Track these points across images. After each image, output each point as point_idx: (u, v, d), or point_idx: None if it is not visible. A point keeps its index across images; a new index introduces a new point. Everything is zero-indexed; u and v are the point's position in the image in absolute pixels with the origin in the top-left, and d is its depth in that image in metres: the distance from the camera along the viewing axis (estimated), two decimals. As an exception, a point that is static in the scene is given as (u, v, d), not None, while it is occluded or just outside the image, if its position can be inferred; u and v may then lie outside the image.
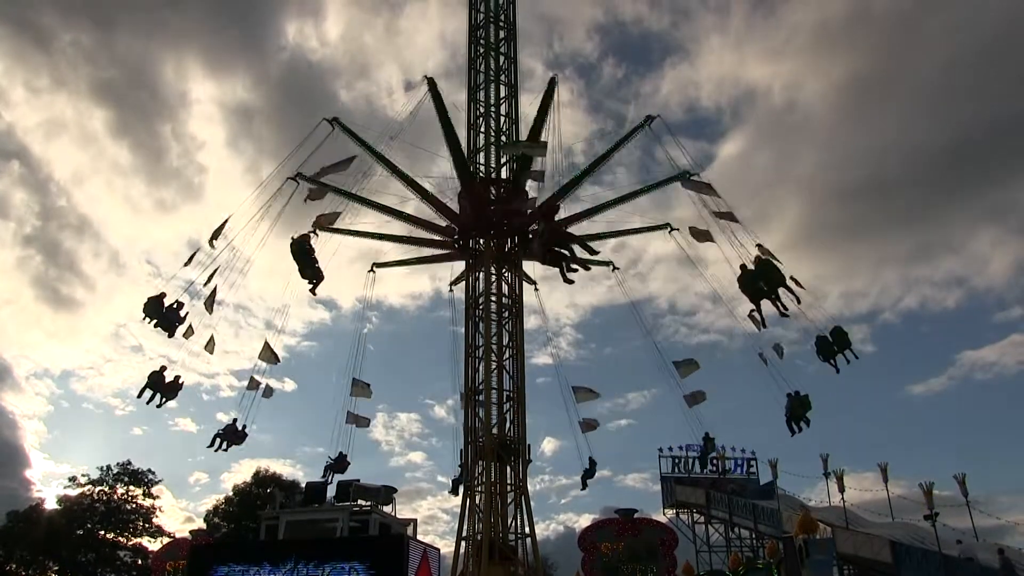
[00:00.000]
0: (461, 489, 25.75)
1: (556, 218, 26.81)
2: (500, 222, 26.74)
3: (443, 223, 27.11)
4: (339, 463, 27.24)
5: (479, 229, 26.94)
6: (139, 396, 22.59)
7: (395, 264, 30.63)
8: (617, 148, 26.63)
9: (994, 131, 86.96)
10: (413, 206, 27.17)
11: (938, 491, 23.82)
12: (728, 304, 26.38)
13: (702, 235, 24.23)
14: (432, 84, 25.71)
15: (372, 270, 30.01)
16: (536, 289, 30.86)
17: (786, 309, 20.14)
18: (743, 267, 20.60)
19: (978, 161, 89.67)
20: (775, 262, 20.35)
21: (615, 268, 30.88)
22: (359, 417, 28.06)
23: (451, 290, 30.32)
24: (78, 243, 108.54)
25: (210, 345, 23.86)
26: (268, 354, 26.11)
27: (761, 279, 20.13)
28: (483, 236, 27.02)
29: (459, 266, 29.14)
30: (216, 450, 24.64)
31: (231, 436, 24.82)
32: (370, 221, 27.71)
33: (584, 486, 28.36)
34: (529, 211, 26.65)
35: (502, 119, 28.45)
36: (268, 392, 26.09)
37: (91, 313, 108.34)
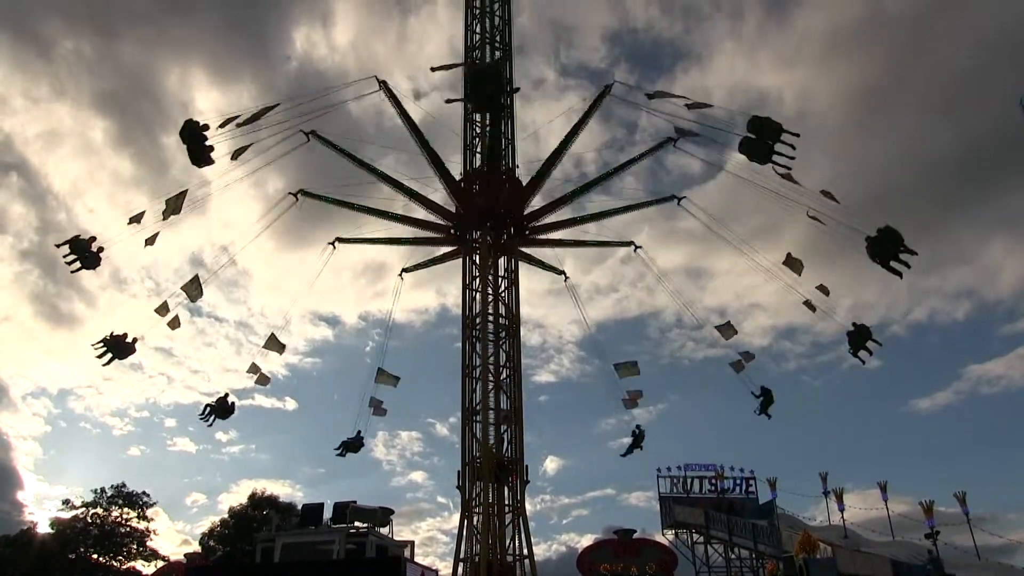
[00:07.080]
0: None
1: (540, 220, 27.25)
2: (495, 213, 26.71)
3: (440, 220, 27.29)
4: (355, 442, 27.69)
5: (473, 221, 26.92)
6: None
7: (360, 241, 29.42)
8: (580, 127, 26.26)
9: (1006, 139, 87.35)
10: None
11: (942, 508, 23.75)
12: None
13: None
14: (385, 86, 25.68)
15: (401, 276, 30.37)
16: (566, 278, 31.34)
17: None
18: (868, 237, 21.54)
19: (990, 169, 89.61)
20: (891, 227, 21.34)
21: (567, 278, 31.00)
22: (379, 405, 28.43)
23: (401, 277, 30.46)
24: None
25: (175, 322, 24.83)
26: (274, 344, 26.66)
27: (888, 243, 21.16)
28: (480, 228, 26.86)
29: (420, 251, 29.81)
30: (208, 422, 25.27)
31: (221, 410, 25.40)
32: (377, 228, 28.03)
33: (627, 453, 28.69)
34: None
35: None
36: (263, 380, 27.08)
37: (91, 330, 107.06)
